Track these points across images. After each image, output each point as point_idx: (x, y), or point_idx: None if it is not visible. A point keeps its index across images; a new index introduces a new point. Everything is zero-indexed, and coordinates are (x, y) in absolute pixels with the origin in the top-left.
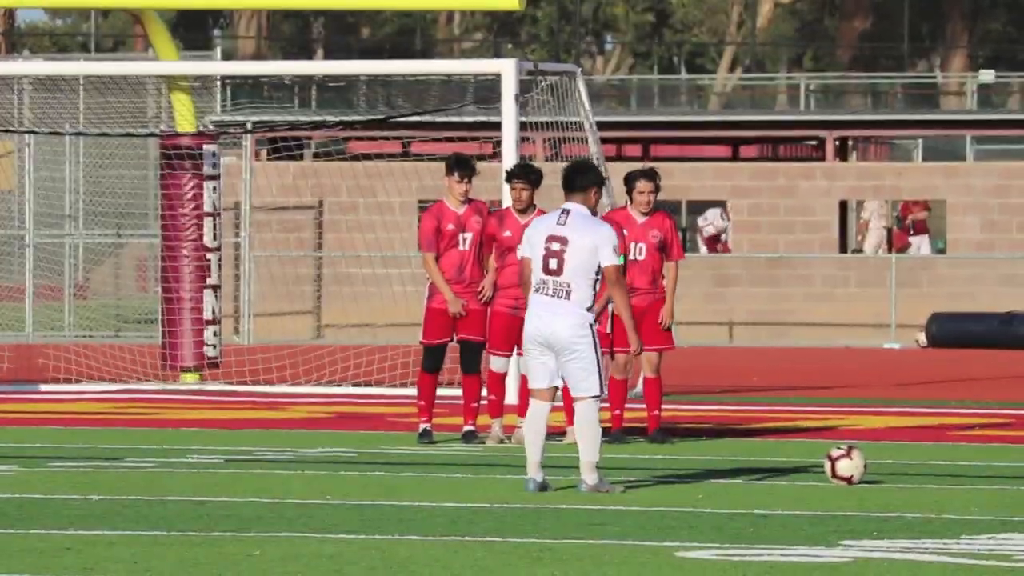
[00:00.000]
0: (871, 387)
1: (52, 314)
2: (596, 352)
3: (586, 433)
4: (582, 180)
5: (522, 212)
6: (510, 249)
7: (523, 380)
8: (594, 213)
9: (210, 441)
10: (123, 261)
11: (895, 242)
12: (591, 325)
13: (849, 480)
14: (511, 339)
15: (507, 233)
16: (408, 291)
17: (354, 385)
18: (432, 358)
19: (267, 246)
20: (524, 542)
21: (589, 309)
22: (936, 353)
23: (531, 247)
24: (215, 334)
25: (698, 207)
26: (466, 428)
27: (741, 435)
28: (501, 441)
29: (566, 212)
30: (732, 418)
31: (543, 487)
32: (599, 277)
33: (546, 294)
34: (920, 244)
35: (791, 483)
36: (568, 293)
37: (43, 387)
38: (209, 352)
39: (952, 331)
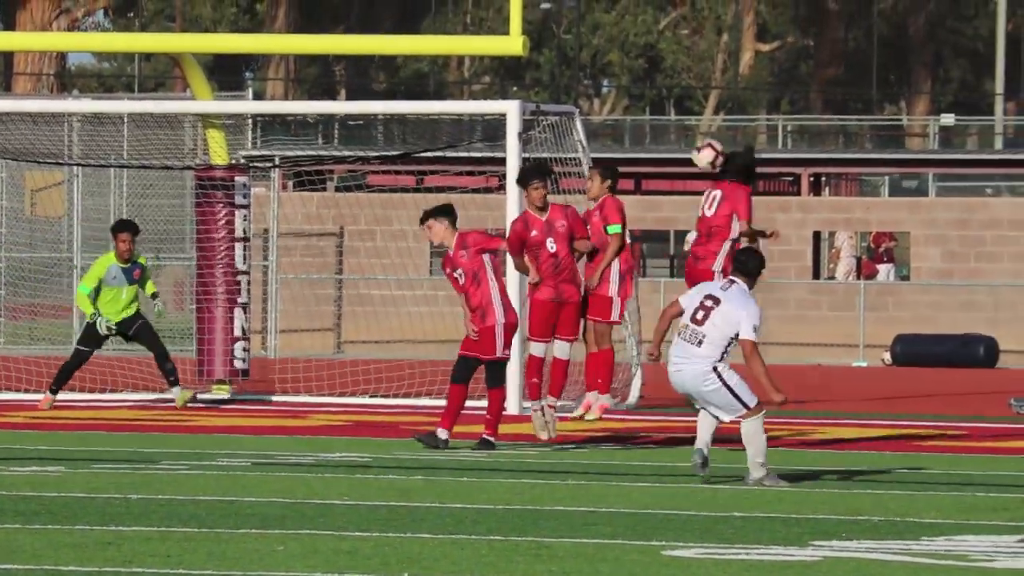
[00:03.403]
0: (841, 401)
1: None
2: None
3: (753, 440)
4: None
5: (541, 209)
6: (540, 245)
7: (533, 362)
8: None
9: (238, 446)
10: (161, 282)
11: (863, 270)
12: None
13: None
14: (550, 326)
15: (534, 232)
16: (421, 311)
17: (370, 396)
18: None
19: (292, 269)
20: (524, 540)
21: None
22: (900, 371)
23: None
24: (244, 349)
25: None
26: (485, 437)
27: (723, 443)
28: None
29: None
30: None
31: (705, 462)
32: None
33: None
34: (887, 272)
35: (768, 488)
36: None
37: (87, 395)
38: (239, 365)
39: (915, 351)
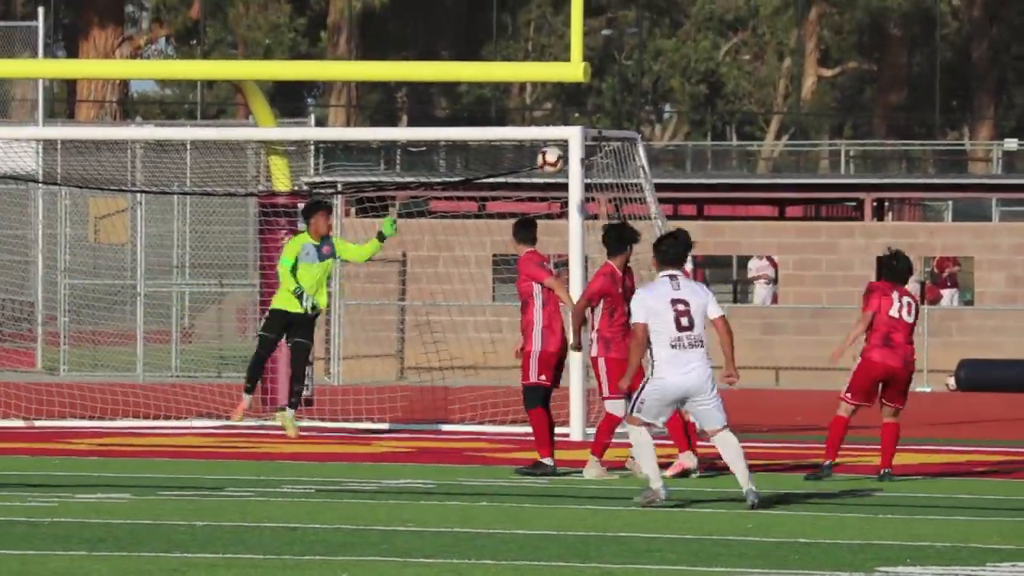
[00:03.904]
0: (905, 426)
1: (160, 356)
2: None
3: (739, 452)
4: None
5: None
6: (620, 303)
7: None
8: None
9: (302, 473)
10: (225, 308)
11: (927, 295)
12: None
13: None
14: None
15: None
16: (483, 337)
17: (433, 422)
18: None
19: (356, 295)
20: (588, 566)
21: None
22: (964, 396)
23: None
24: (309, 376)
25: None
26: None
27: (787, 470)
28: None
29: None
30: (779, 454)
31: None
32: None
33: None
34: (951, 297)
35: (832, 513)
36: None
37: (152, 422)
38: (306, 393)
39: (979, 376)
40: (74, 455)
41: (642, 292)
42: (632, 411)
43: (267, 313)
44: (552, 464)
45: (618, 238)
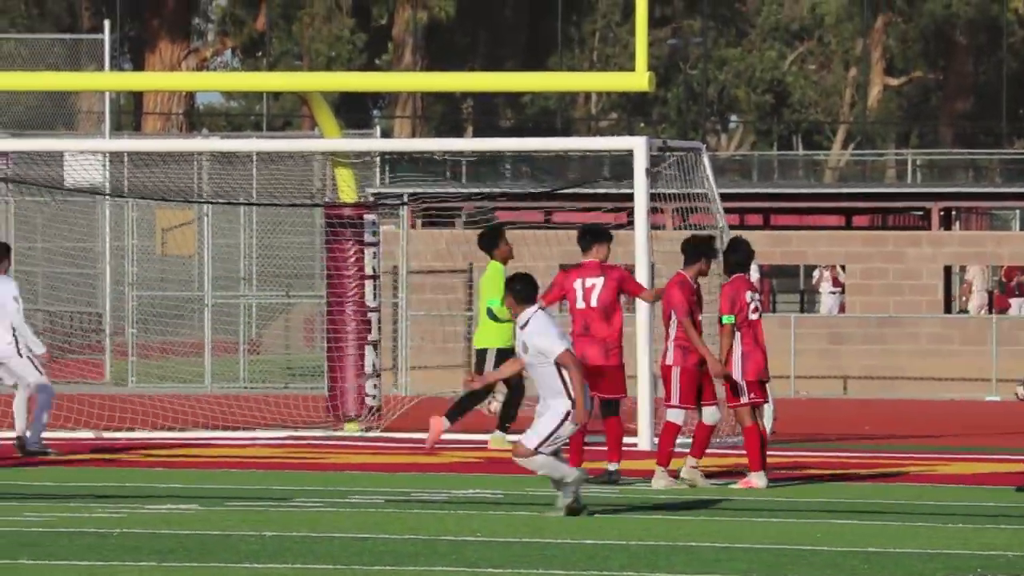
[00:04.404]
0: (973, 436)
1: (228, 367)
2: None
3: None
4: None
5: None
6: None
7: (670, 429)
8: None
9: (371, 483)
10: (292, 319)
11: (995, 304)
12: None
13: None
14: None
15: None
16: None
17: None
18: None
19: (422, 306)
20: None
21: None
22: None
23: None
24: (375, 386)
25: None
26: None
27: (855, 479)
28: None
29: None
30: (847, 463)
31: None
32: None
33: None
34: (1019, 306)
35: (901, 523)
36: None
37: (220, 433)
38: (370, 402)
39: None
40: (142, 466)
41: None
42: (543, 447)
43: (489, 353)
44: (617, 471)
45: (695, 249)
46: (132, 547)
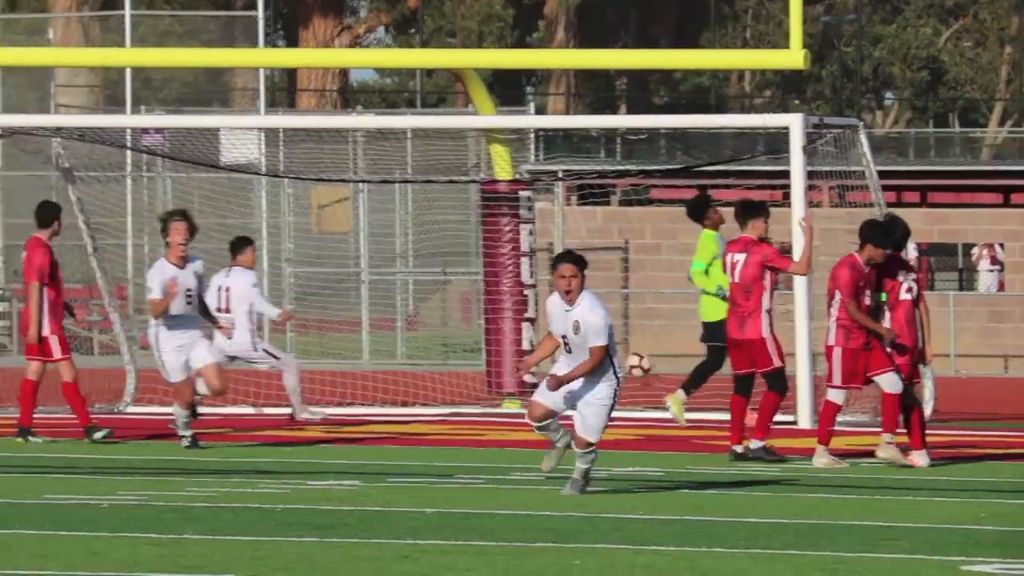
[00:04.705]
0: None
1: (386, 343)
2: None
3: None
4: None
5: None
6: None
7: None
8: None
9: (532, 460)
10: (449, 296)
11: None
12: None
13: None
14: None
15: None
16: None
17: (659, 410)
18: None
19: None
20: (820, 555)
21: None
22: None
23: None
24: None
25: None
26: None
27: (1017, 459)
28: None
29: None
30: (1010, 442)
31: None
32: None
33: None
34: None
35: None
36: None
37: (379, 409)
38: (528, 379)
39: None
40: (303, 442)
41: None
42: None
43: (707, 326)
44: (763, 447)
45: (879, 232)
46: (294, 523)
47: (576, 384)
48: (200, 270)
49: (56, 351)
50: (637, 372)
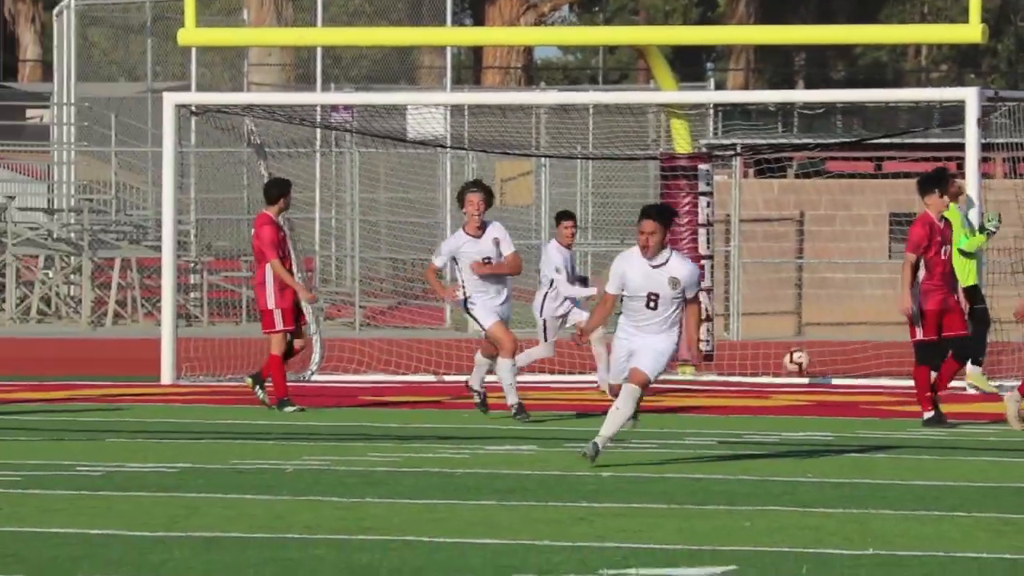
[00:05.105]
0: None
1: None
2: None
3: None
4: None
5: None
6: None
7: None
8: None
9: (705, 425)
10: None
11: None
12: None
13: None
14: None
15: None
16: (878, 294)
17: (834, 375)
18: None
19: (753, 254)
20: (986, 516)
21: None
22: None
23: None
24: (708, 331)
25: None
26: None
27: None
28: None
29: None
30: None
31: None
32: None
33: None
34: None
35: None
36: None
37: (556, 377)
38: (703, 347)
39: None
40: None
41: None
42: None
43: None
44: (935, 416)
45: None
46: (473, 487)
47: (642, 335)
48: (499, 233)
49: (279, 323)
50: (793, 368)
